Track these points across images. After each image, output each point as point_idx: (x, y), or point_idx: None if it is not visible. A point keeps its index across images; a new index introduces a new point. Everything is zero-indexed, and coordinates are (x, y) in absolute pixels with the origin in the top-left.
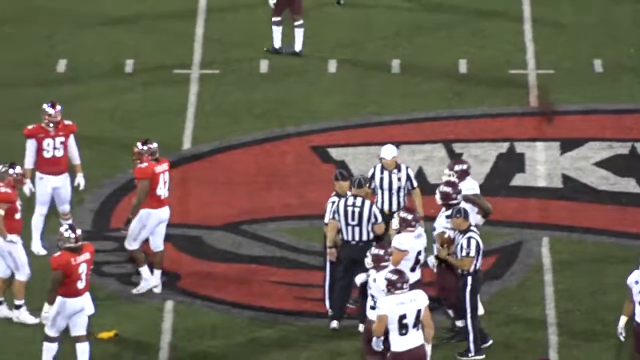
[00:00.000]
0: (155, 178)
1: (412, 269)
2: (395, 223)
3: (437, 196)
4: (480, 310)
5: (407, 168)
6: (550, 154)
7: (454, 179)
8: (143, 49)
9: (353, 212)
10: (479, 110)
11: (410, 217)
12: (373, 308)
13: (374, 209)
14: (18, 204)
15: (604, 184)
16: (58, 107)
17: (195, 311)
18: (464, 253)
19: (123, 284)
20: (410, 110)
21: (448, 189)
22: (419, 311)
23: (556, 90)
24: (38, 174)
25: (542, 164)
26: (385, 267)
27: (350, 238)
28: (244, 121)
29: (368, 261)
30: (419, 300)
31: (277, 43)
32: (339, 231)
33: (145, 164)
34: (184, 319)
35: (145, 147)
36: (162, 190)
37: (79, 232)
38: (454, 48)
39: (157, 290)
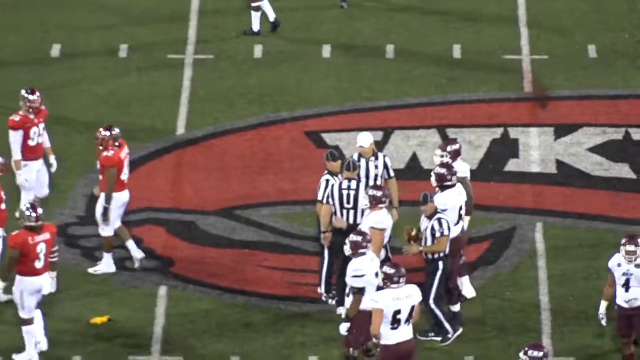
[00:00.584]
0: (121, 164)
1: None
2: (364, 202)
3: (432, 178)
4: (472, 293)
5: (384, 157)
6: (544, 140)
7: (447, 159)
8: (137, 34)
9: (349, 196)
10: (473, 96)
11: (380, 193)
12: (348, 296)
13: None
14: (2, 194)
15: (598, 169)
16: (38, 94)
17: (189, 296)
18: (438, 234)
19: (117, 269)
20: (404, 96)
21: (443, 171)
22: (413, 307)
23: (550, 76)
24: (22, 163)
25: (536, 150)
26: (364, 254)
27: (345, 221)
28: (238, 106)
29: (347, 248)
30: (414, 296)
31: (257, 27)
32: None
33: (111, 152)
34: (178, 304)
35: (109, 134)
36: (126, 175)
37: (40, 211)
38: (448, 34)
39: (112, 270)
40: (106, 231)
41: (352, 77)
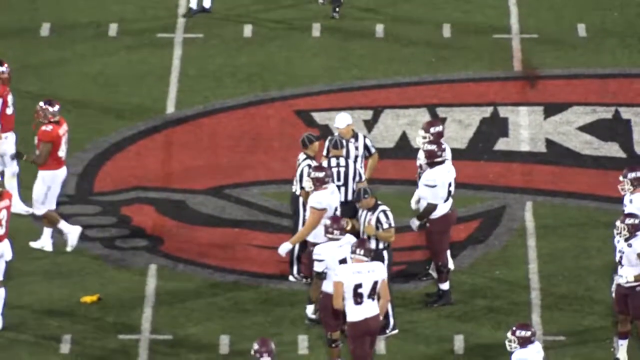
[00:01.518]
0: (58, 141)
1: None
2: (308, 185)
3: (422, 155)
4: (451, 264)
5: (364, 137)
6: (533, 119)
7: (427, 140)
8: (127, 13)
9: (339, 173)
10: (463, 75)
11: (322, 174)
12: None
13: (358, 166)
14: None
15: (587, 148)
16: (5, 64)
17: (179, 275)
18: (385, 226)
19: (106, 248)
20: (393, 75)
21: (433, 147)
22: (375, 282)
23: (540, 54)
24: (2, 135)
25: (526, 129)
26: (335, 239)
27: None
28: (227, 85)
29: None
30: (377, 272)
31: (193, 4)
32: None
33: (50, 127)
34: (167, 282)
35: (49, 108)
36: (63, 152)
37: None
38: (438, 12)
39: (49, 248)
40: (41, 209)
41: (341, 56)
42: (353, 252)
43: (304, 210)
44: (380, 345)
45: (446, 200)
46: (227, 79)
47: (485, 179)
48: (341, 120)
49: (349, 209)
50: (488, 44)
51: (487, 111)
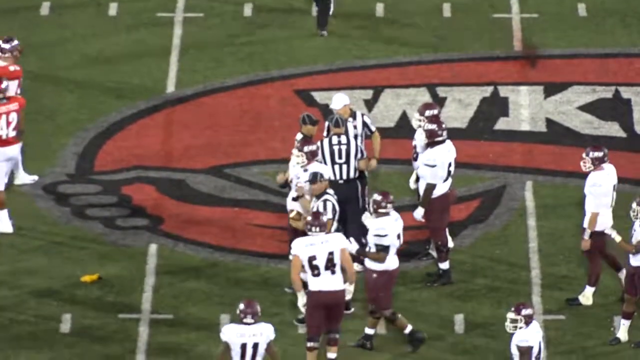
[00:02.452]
0: None
1: None
2: (302, 160)
3: (422, 135)
4: (450, 244)
5: (362, 115)
6: (534, 98)
7: (424, 123)
8: None
9: (340, 150)
10: (463, 55)
11: (314, 147)
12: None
13: (359, 143)
14: None
15: (587, 127)
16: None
17: (179, 254)
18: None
19: (107, 227)
20: (393, 54)
21: (433, 126)
22: (331, 253)
23: (540, 34)
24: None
25: (526, 108)
26: (385, 213)
27: (337, 177)
28: (227, 64)
29: (370, 209)
30: (332, 242)
31: None
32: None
33: None
34: (167, 262)
35: None
36: (4, 131)
37: None
38: None
39: (8, 230)
40: None
41: (341, 35)
42: (309, 228)
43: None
44: (381, 325)
45: (445, 180)
46: (227, 58)
47: (485, 159)
48: (337, 101)
49: (350, 187)
50: (488, 24)
51: (488, 91)
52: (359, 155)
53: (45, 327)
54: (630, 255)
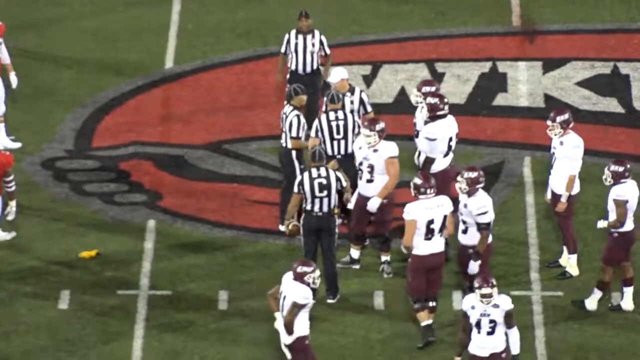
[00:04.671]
0: None
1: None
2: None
3: (418, 114)
4: None
5: (361, 92)
6: (532, 74)
7: (421, 99)
8: None
9: (338, 126)
10: (462, 30)
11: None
12: (464, 232)
13: (357, 119)
14: None
15: (585, 103)
16: None
17: (177, 230)
18: (296, 190)
19: (105, 203)
20: (392, 30)
21: (435, 100)
22: (445, 216)
23: (539, 9)
24: None
25: (524, 84)
26: (478, 189)
27: (336, 152)
28: (226, 40)
29: (463, 186)
30: (445, 205)
31: None
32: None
33: None
34: (166, 238)
35: None
36: None
37: None
38: None
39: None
40: None
41: (340, 11)
42: (424, 191)
43: (299, 162)
44: (379, 301)
45: (446, 155)
46: (226, 34)
47: (483, 134)
48: (335, 75)
49: (348, 162)
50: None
51: (486, 66)
52: (357, 130)
53: (44, 302)
54: (600, 222)
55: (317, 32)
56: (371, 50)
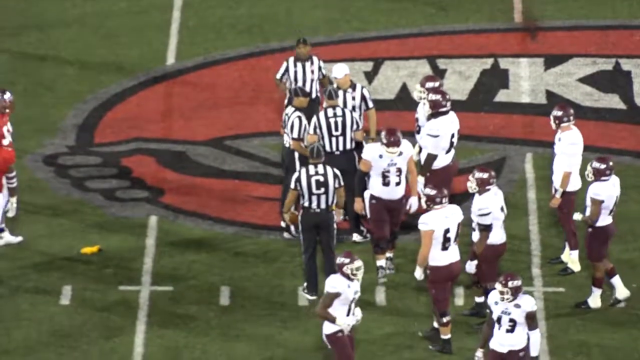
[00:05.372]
0: None
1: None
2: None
3: (424, 108)
4: None
5: (362, 88)
6: (534, 70)
7: (425, 95)
8: None
9: (336, 123)
10: (463, 26)
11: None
12: (474, 230)
13: (355, 115)
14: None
15: (587, 100)
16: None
17: (179, 227)
18: (292, 185)
19: (107, 199)
20: (394, 26)
21: (437, 97)
22: (458, 225)
23: (540, 6)
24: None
25: (526, 80)
26: (489, 190)
27: (334, 149)
28: (227, 37)
29: (473, 186)
30: (457, 214)
31: None
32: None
33: None
34: (168, 234)
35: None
36: None
37: None
38: None
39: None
40: None
41: (342, 7)
42: (439, 201)
43: (300, 163)
44: (381, 297)
45: (448, 152)
46: (227, 30)
47: (485, 131)
48: (339, 70)
49: (347, 158)
50: None
51: (488, 63)
52: (355, 126)
53: (46, 298)
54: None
55: (315, 59)
56: (373, 47)
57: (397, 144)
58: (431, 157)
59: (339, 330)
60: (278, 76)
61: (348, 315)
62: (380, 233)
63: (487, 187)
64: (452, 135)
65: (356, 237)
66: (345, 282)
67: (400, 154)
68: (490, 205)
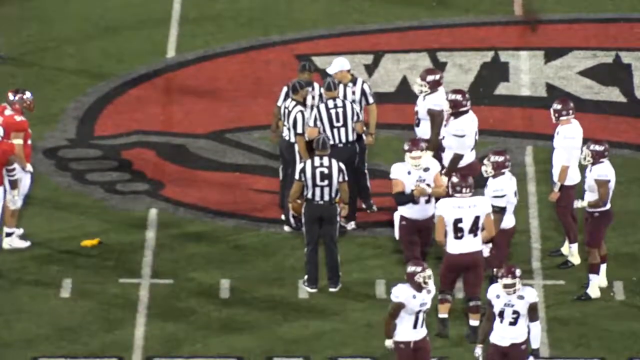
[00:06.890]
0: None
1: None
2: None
3: (420, 101)
4: None
5: (363, 82)
6: (534, 63)
7: (425, 88)
8: None
9: (337, 114)
10: (464, 19)
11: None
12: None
13: (355, 106)
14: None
15: (588, 92)
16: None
17: (179, 219)
18: (297, 176)
19: (107, 192)
20: (394, 19)
21: (457, 97)
22: (477, 217)
23: None
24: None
25: (526, 73)
26: (504, 173)
27: (337, 140)
28: (228, 29)
29: (488, 169)
30: (479, 206)
31: None
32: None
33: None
34: (168, 226)
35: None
36: None
37: None
38: None
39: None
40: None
41: (342, 0)
42: (459, 189)
43: (301, 157)
44: (380, 289)
45: (472, 149)
46: (228, 22)
47: (485, 124)
48: (334, 66)
49: (348, 150)
50: None
51: (488, 55)
52: (355, 118)
53: (46, 291)
54: (577, 201)
55: (316, 85)
56: (373, 40)
57: (417, 147)
58: (457, 157)
59: (402, 342)
60: (279, 103)
61: (415, 327)
62: (410, 254)
63: (502, 171)
64: (475, 133)
65: (350, 225)
66: (411, 292)
67: (427, 169)
68: (505, 187)
